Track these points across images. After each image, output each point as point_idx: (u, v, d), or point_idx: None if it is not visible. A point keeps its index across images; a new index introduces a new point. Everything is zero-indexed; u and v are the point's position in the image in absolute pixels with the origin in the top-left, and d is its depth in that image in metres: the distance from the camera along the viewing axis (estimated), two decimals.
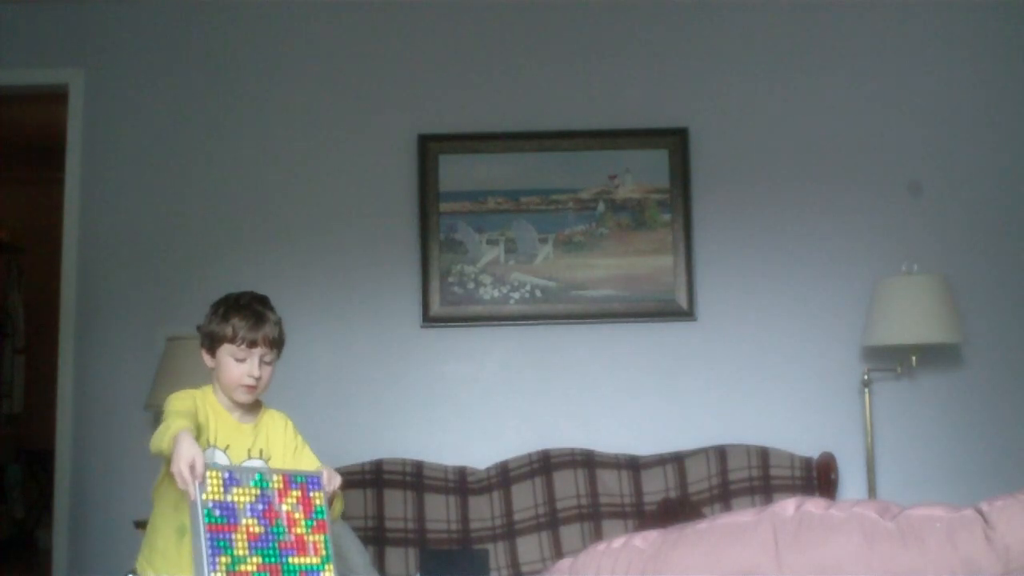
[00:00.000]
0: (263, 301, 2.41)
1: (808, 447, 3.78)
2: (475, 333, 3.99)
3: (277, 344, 2.37)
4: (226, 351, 2.32)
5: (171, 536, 2.28)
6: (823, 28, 4.11)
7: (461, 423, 3.94)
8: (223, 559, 1.97)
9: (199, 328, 2.42)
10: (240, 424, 2.38)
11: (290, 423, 2.48)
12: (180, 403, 2.28)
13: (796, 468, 3.69)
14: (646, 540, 1.38)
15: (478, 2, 4.13)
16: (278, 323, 2.38)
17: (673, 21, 4.12)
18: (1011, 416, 3.89)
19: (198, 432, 2.20)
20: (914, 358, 3.72)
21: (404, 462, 3.75)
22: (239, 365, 2.32)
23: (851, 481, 3.81)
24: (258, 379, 2.32)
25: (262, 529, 2.06)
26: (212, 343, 2.35)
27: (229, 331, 2.31)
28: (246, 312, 2.34)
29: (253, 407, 2.43)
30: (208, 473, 2.01)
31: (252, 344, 2.31)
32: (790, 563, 1.27)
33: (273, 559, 2.05)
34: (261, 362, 2.33)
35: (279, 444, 2.42)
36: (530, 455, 3.78)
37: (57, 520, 3.93)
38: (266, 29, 4.13)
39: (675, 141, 4.02)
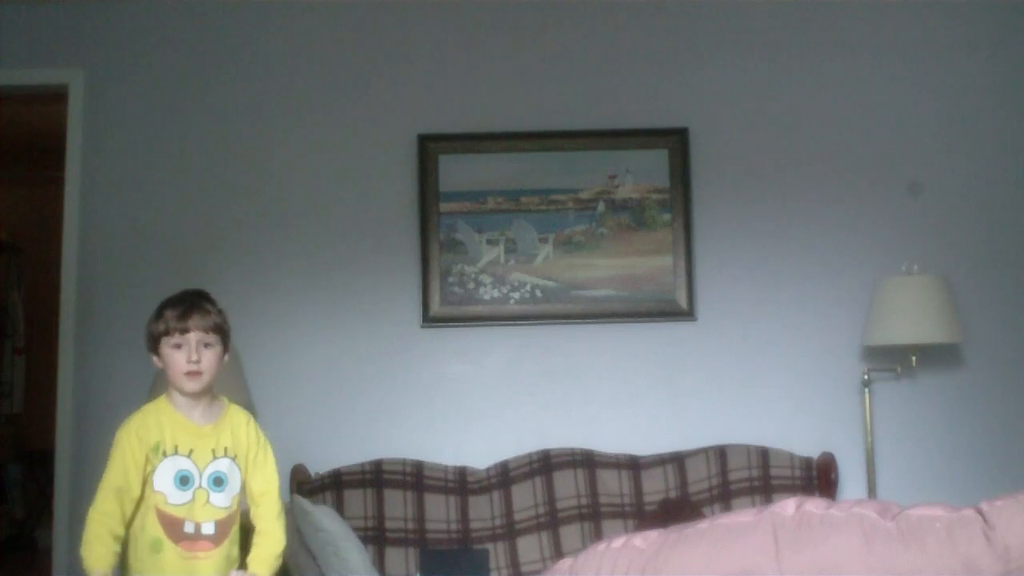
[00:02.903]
0: (198, 292, 2.47)
1: (808, 447, 3.78)
2: (475, 333, 3.99)
3: (216, 330, 2.41)
4: (165, 344, 2.39)
5: (146, 550, 2.36)
6: (823, 28, 4.11)
7: (461, 423, 3.94)
8: None
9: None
10: (200, 427, 2.42)
11: (252, 422, 2.51)
12: (112, 491, 2.35)
13: (796, 468, 3.69)
14: (646, 540, 1.39)
15: (478, 2, 4.13)
16: (215, 311, 2.43)
17: (673, 21, 4.12)
18: (1011, 416, 3.89)
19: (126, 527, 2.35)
20: (914, 358, 3.72)
21: (404, 462, 3.75)
22: (179, 354, 2.37)
23: (851, 481, 3.81)
24: (198, 363, 2.36)
25: None
26: (153, 343, 2.42)
27: (162, 325, 2.39)
28: (175, 302, 2.42)
29: (213, 406, 2.47)
30: None
31: (184, 330, 2.37)
32: (790, 563, 1.27)
33: None
34: (201, 346, 2.37)
35: (243, 443, 2.46)
36: (530, 455, 3.78)
37: (57, 520, 3.93)
38: (266, 29, 4.13)
39: (675, 141, 4.02)
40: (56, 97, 4.14)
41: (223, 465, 2.40)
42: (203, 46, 4.13)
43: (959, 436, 3.89)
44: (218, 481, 2.39)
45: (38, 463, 6.49)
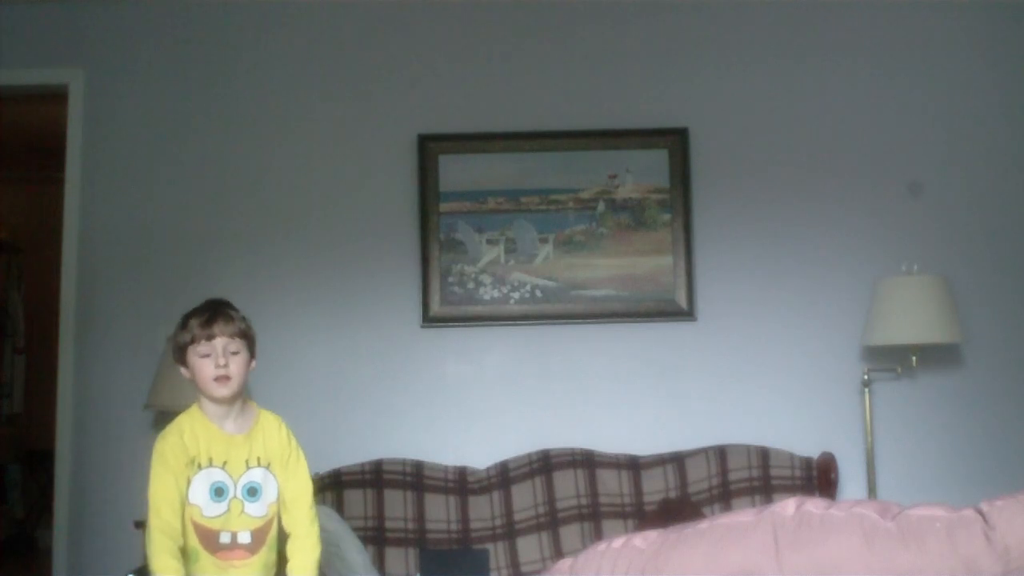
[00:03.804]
0: (220, 301, 2.47)
1: (808, 447, 3.78)
2: (475, 333, 3.99)
3: (241, 335, 2.41)
4: (192, 353, 2.39)
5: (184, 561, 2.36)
6: (823, 28, 4.11)
7: (461, 423, 3.94)
8: None
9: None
10: (232, 437, 2.41)
11: (284, 427, 2.49)
12: (164, 492, 2.33)
13: (796, 468, 3.69)
14: (646, 540, 1.38)
15: (478, 2, 4.13)
16: (239, 318, 2.43)
17: (673, 21, 4.12)
18: (1011, 416, 3.89)
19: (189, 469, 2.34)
20: (914, 358, 3.72)
21: (404, 462, 3.75)
22: (207, 361, 2.37)
23: (851, 481, 3.81)
24: (226, 367, 2.36)
25: None
26: (181, 353, 2.43)
27: (188, 335, 2.40)
28: (200, 311, 2.42)
29: (244, 414, 2.46)
30: None
31: (210, 337, 2.37)
32: (790, 563, 1.27)
33: None
34: (228, 353, 2.38)
35: (276, 449, 2.45)
36: (530, 455, 3.78)
37: (57, 520, 3.93)
38: (266, 29, 4.13)
39: (675, 141, 4.02)
40: (56, 97, 4.14)
41: (257, 475, 2.40)
42: (203, 46, 4.13)
43: (959, 436, 3.89)
44: (252, 491, 2.39)
45: (38, 463, 6.49)
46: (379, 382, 3.96)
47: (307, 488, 2.46)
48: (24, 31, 4.09)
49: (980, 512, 1.29)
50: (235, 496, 2.37)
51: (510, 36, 4.13)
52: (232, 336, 2.38)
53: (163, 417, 3.91)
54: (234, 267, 3.99)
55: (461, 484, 3.74)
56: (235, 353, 2.38)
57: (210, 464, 2.37)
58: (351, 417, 3.93)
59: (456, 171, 4.02)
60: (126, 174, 4.07)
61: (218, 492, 2.36)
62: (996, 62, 4.08)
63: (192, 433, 2.38)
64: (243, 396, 2.46)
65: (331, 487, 3.67)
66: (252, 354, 2.44)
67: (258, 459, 2.41)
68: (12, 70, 4.11)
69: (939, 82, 4.07)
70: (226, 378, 2.36)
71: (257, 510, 2.39)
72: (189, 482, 2.35)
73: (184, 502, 2.34)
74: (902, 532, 1.27)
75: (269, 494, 2.41)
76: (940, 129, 4.05)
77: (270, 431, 2.45)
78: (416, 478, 3.72)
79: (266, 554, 2.40)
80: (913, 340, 3.63)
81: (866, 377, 3.82)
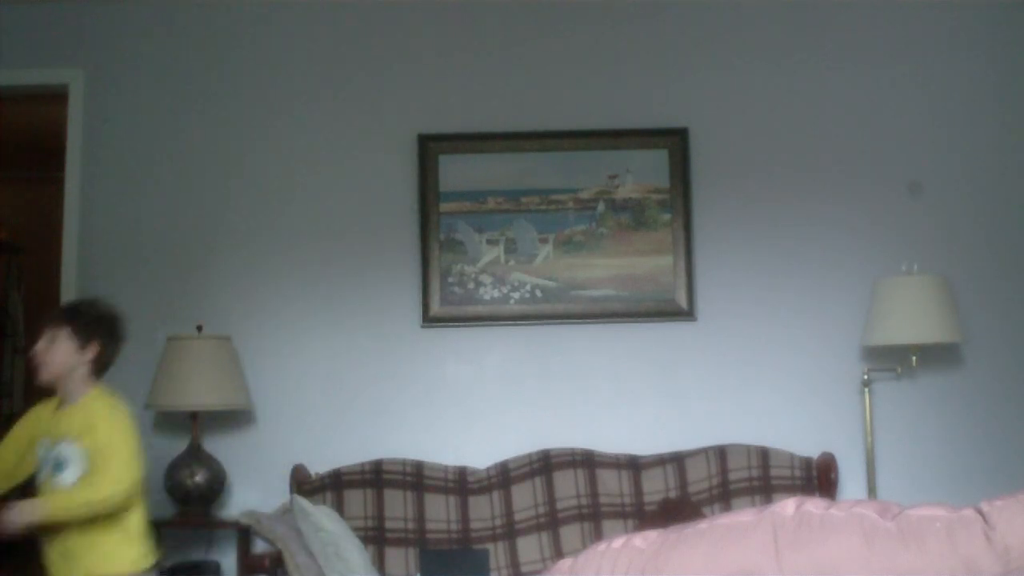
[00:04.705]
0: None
1: (808, 447, 3.78)
2: (475, 333, 3.99)
3: (58, 326, 2.63)
4: None
5: None
6: (823, 28, 4.11)
7: (461, 423, 3.94)
8: None
9: None
10: (56, 414, 2.66)
11: (99, 404, 2.65)
12: None
13: (796, 468, 3.69)
14: (646, 540, 1.38)
15: (478, 2, 4.13)
16: (66, 311, 2.74)
17: (673, 21, 4.12)
18: (1011, 416, 3.89)
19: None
20: (914, 358, 3.72)
21: (404, 462, 3.75)
22: None
23: (851, 481, 3.81)
24: (34, 355, 2.65)
25: None
26: None
27: None
28: None
29: (74, 395, 2.65)
30: None
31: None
32: (790, 563, 1.27)
33: None
34: (46, 342, 2.63)
35: (80, 423, 2.60)
36: (530, 455, 3.78)
37: None
38: (266, 29, 4.14)
39: (675, 141, 4.02)
40: (56, 97, 4.14)
41: (63, 449, 2.58)
42: (203, 46, 4.14)
43: (959, 436, 3.89)
44: (59, 464, 2.58)
45: None
46: (379, 382, 3.96)
47: (105, 455, 2.55)
48: (24, 31, 4.09)
49: (980, 512, 1.29)
50: (47, 468, 2.60)
51: (510, 36, 4.13)
52: (48, 330, 2.65)
53: (163, 417, 3.91)
54: (233, 267, 3.99)
55: (461, 484, 3.74)
56: (53, 341, 2.63)
57: (44, 435, 2.63)
58: (351, 417, 3.93)
59: (456, 171, 4.02)
60: (126, 174, 4.07)
61: (41, 464, 2.64)
62: (996, 62, 4.08)
63: (43, 410, 2.71)
64: (78, 379, 2.65)
65: (331, 487, 3.67)
66: (81, 343, 2.64)
67: (66, 435, 2.59)
68: (12, 70, 4.11)
69: (939, 82, 4.07)
70: (38, 365, 2.64)
71: (64, 481, 2.57)
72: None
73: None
74: (902, 532, 1.27)
75: (79, 467, 2.57)
76: (940, 129, 4.05)
77: (81, 408, 2.63)
78: (416, 478, 3.72)
79: (80, 523, 2.54)
80: (913, 340, 3.63)
81: (866, 377, 3.82)
